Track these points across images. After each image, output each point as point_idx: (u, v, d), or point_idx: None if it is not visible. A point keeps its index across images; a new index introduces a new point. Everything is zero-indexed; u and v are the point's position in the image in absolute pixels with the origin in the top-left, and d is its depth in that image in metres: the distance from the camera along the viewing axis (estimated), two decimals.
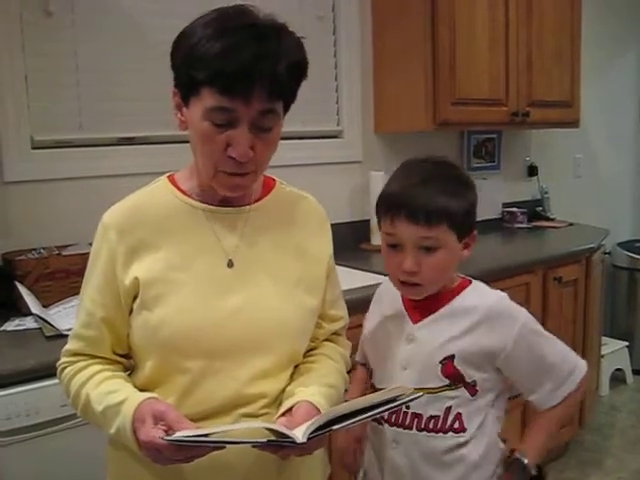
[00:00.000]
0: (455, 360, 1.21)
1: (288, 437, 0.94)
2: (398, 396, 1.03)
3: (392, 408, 1.03)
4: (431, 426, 1.22)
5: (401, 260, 1.19)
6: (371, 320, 1.36)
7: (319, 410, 1.06)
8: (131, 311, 1.10)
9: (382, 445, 1.28)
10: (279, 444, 0.96)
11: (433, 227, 1.16)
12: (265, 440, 0.94)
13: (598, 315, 3.16)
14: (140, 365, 1.13)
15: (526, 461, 1.24)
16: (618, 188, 4.22)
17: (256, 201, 1.16)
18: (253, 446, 0.99)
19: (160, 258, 1.09)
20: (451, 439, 1.22)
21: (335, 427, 0.96)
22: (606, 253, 3.53)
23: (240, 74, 0.97)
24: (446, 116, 2.71)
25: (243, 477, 1.09)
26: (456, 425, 1.22)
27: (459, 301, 1.25)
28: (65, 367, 1.15)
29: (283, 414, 1.07)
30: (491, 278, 2.43)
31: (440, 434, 1.22)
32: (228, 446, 0.97)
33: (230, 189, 1.10)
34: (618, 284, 4.00)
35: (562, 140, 3.72)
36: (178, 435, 0.94)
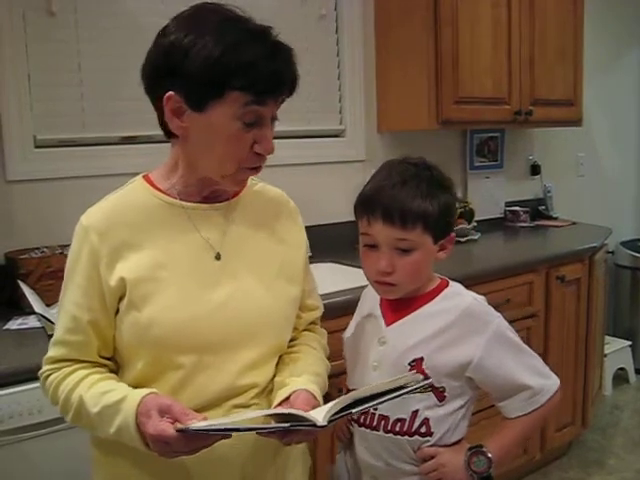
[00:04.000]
0: (424, 363, 1.20)
1: (303, 421, 0.96)
2: (407, 383, 1.07)
3: (402, 394, 1.06)
4: (397, 429, 1.23)
5: (377, 260, 1.20)
6: (352, 323, 1.37)
7: (315, 397, 1.10)
8: (116, 312, 1.10)
9: (355, 443, 1.30)
10: (298, 428, 0.97)
11: (408, 229, 1.16)
12: (288, 425, 0.96)
13: (601, 314, 3.16)
14: (128, 365, 1.12)
15: (490, 455, 1.22)
16: (621, 187, 4.21)
17: (233, 197, 1.19)
18: (258, 433, 1.02)
19: (145, 257, 1.09)
20: (416, 442, 1.23)
21: (354, 411, 0.99)
22: (609, 252, 3.53)
23: (275, 79, 1.05)
24: (449, 115, 2.70)
25: (239, 469, 1.11)
26: (423, 429, 1.22)
27: (434, 304, 1.25)
28: (49, 374, 1.13)
29: (280, 403, 1.09)
30: (494, 277, 2.44)
31: (406, 437, 1.23)
32: (234, 434, 0.98)
33: (241, 183, 1.16)
34: (621, 283, 3.99)
35: (565, 139, 3.72)
36: (199, 425, 0.95)
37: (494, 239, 3.09)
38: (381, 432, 1.23)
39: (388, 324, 1.27)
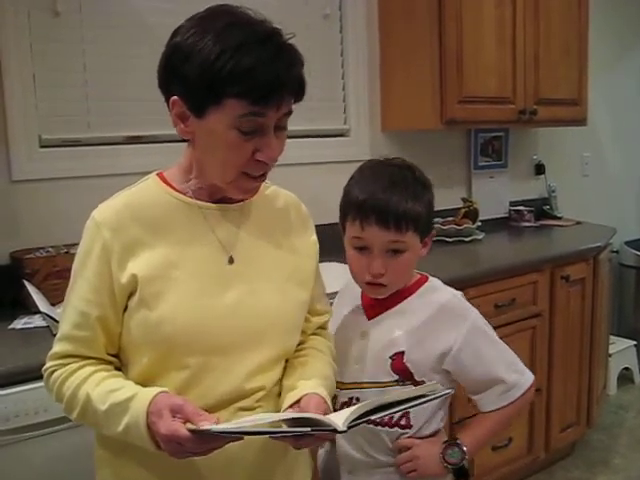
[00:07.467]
0: (405, 356, 1.25)
1: (322, 426, 0.96)
2: (430, 392, 1.07)
3: (423, 402, 1.07)
4: (377, 420, 1.24)
5: (368, 262, 1.23)
6: (335, 319, 1.38)
7: (326, 401, 1.09)
8: (124, 309, 1.09)
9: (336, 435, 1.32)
10: (319, 433, 0.97)
11: (402, 232, 1.20)
12: (309, 429, 0.95)
13: (606, 314, 3.15)
14: (133, 364, 1.11)
15: (465, 448, 1.27)
16: (626, 186, 4.20)
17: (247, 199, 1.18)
18: (270, 436, 1.00)
19: (157, 255, 1.08)
20: (395, 433, 1.28)
21: (373, 417, 1.00)
22: (614, 252, 3.52)
23: (274, 85, 1.00)
24: (453, 114, 2.70)
25: (248, 470, 1.10)
26: (403, 422, 1.27)
27: (414, 298, 1.30)
28: (54, 370, 1.10)
29: (291, 406, 1.08)
30: (498, 277, 2.44)
31: (386, 428, 1.27)
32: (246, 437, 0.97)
33: (248, 192, 1.13)
34: (626, 283, 3.98)
35: (569, 138, 3.71)
36: (216, 427, 0.94)
37: (498, 239, 3.09)
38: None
39: (370, 318, 1.31)
